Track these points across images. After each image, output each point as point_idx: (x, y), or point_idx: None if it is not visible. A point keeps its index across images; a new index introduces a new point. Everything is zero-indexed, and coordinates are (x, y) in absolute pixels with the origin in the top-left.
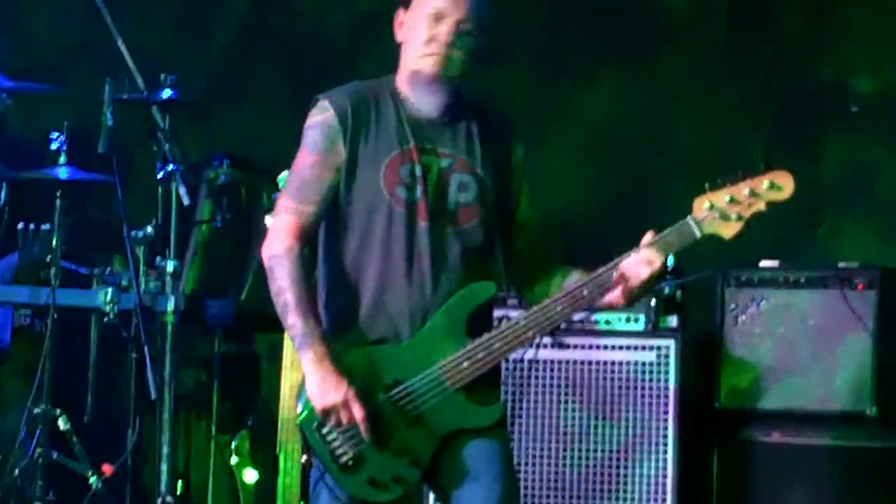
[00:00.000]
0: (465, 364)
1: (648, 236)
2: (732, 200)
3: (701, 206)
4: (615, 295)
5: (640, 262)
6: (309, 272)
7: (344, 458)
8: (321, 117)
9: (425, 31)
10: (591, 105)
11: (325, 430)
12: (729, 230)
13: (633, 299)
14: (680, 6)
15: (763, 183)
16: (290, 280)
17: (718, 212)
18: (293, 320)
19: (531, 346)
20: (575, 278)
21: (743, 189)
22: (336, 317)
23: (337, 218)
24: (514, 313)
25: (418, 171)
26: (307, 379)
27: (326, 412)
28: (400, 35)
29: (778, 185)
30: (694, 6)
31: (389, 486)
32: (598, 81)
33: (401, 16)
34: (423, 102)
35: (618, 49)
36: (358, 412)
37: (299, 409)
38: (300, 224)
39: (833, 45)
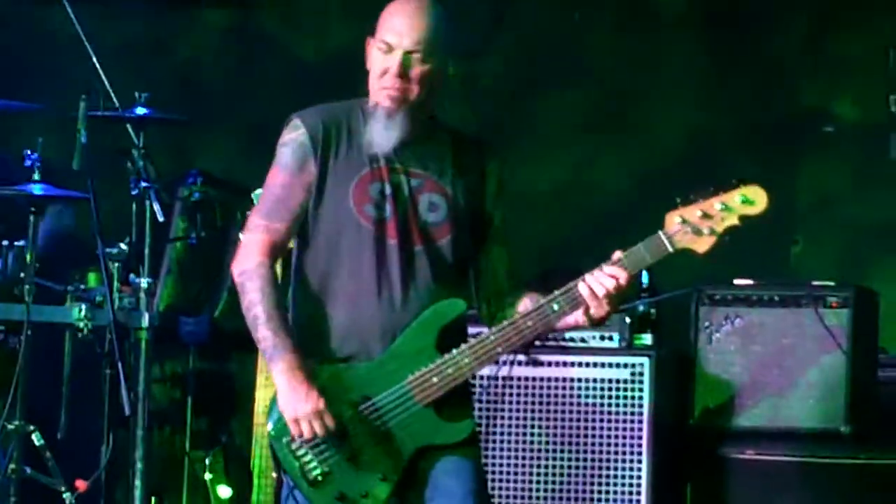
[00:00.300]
0: (435, 380)
1: (617, 253)
2: (704, 215)
3: (672, 220)
4: (580, 314)
5: (606, 278)
6: (279, 287)
7: (314, 474)
8: (293, 135)
9: (378, 64)
10: (574, 112)
11: (294, 446)
12: (702, 245)
13: (598, 319)
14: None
15: (735, 197)
16: (261, 294)
17: (690, 227)
18: (264, 333)
19: (504, 362)
20: (535, 299)
21: (715, 204)
22: (306, 334)
23: (307, 236)
24: (487, 330)
25: (388, 190)
26: (278, 390)
27: (297, 422)
28: (368, 64)
29: (750, 200)
30: (685, 20)
31: (359, 501)
32: (582, 89)
33: (370, 43)
34: (378, 136)
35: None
36: (329, 421)
37: (270, 426)
38: (271, 241)
39: (818, 68)
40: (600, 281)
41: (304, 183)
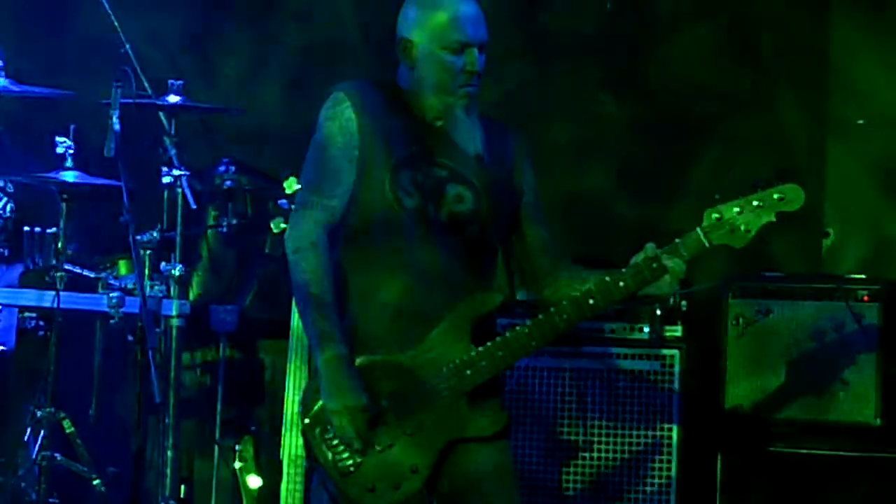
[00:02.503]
0: (469, 372)
1: (650, 247)
2: (742, 212)
3: (710, 217)
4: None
5: (667, 273)
6: (331, 269)
7: (346, 464)
8: (338, 109)
9: (451, 65)
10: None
11: (328, 436)
12: (738, 241)
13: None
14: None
15: (773, 195)
16: (315, 275)
17: (727, 223)
18: (313, 316)
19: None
20: (581, 278)
21: (752, 201)
22: (342, 321)
23: (345, 218)
24: (520, 322)
25: (419, 178)
26: (324, 380)
27: (340, 415)
28: (410, 61)
29: (787, 197)
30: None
31: (390, 493)
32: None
33: (407, 40)
34: (471, 136)
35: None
36: (368, 420)
37: (303, 416)
38: (325, 218)
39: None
40: (637, 277)
41: (352, 157)
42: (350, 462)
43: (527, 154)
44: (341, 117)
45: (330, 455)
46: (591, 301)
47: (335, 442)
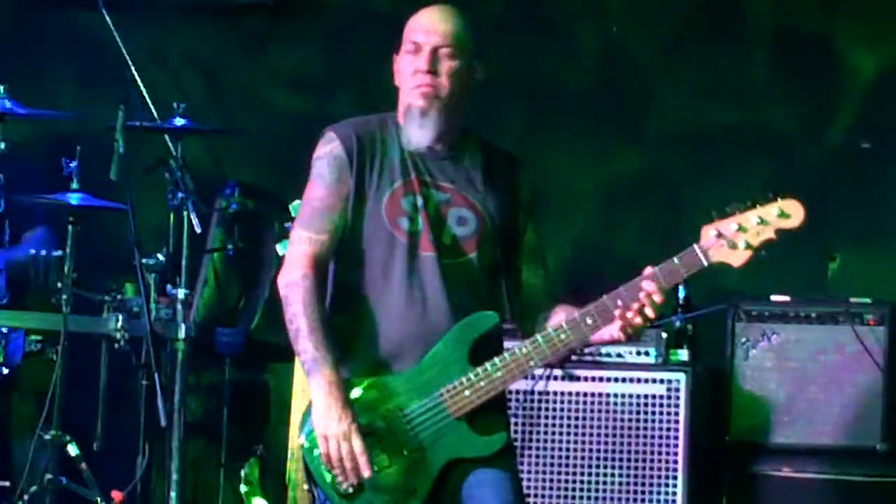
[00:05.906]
0: (467, 393)
1: (649, 269)
2: (740, 228)
3: (708, 234)
4: (615, 328)
5: (639, 293)
6: (323, 301)
7: (344, 486)
8: (328, 148)
9: (408, 66)
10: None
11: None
12: (737, 259)
13: (632, 334)
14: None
15: (772, 211)
16: (304, 306)
17: (726, 240)
18: (304, 346)
19: (540, 377)
20: (568, 313)
21: (751, 217)
22: (339, 345)
23: (342, 247)
24: (519, 343)
25: (420, 202)
26: (314, 404)
27: (327, 440)
28: (397, 79)
29: (787, 214)
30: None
31: None
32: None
33: (396, 61)
34: (414, 135)
35: None
36: (357, 446)
37: (302, 438)
38: (314, 253)
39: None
40: (633, 296)
41: (342, 194)
42: (348, 483)
43: (531, 191)
44: (330, 156)
45: (328, 477)
46: (588, 320)
47: None
